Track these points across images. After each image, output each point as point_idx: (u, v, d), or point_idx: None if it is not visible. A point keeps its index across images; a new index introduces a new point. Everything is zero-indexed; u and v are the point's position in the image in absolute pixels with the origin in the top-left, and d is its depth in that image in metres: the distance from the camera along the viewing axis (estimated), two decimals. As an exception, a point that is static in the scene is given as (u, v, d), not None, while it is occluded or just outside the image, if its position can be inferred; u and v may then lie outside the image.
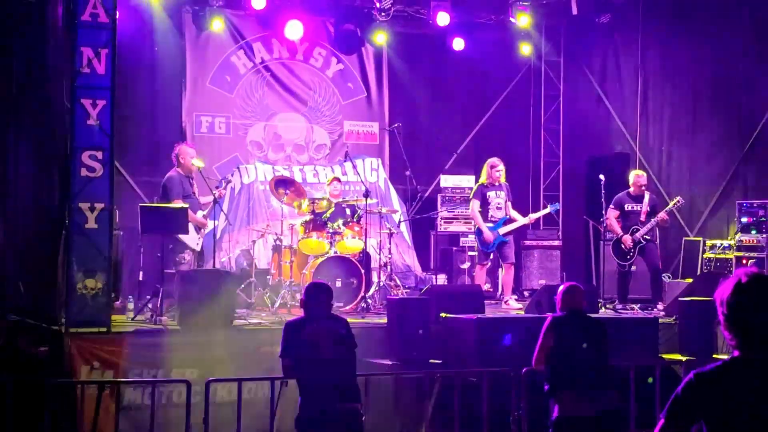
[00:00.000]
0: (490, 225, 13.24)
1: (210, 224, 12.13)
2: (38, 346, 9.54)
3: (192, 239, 11.56)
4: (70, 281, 9.45)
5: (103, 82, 9.57)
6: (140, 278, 12.33)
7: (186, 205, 11.32)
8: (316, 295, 7.23)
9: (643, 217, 12.93)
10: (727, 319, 3.72)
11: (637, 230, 12.89)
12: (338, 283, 11.90)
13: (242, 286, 12.66)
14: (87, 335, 9.36)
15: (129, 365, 9.40)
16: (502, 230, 13.26)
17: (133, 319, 10.89)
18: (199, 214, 11.78)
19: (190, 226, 11.47)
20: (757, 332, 3.66)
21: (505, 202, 13.40)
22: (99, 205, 9.50)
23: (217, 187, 11.99)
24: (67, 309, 9.48)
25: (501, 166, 13.43)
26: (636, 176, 13.22)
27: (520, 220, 13.53)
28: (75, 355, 9.21)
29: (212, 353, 9.64)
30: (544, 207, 15.16)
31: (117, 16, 9.76)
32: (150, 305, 10.98)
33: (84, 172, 9.47)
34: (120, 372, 9.30)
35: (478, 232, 13.34)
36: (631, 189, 13.14)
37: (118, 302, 12.22)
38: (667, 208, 12.93)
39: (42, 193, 10.86)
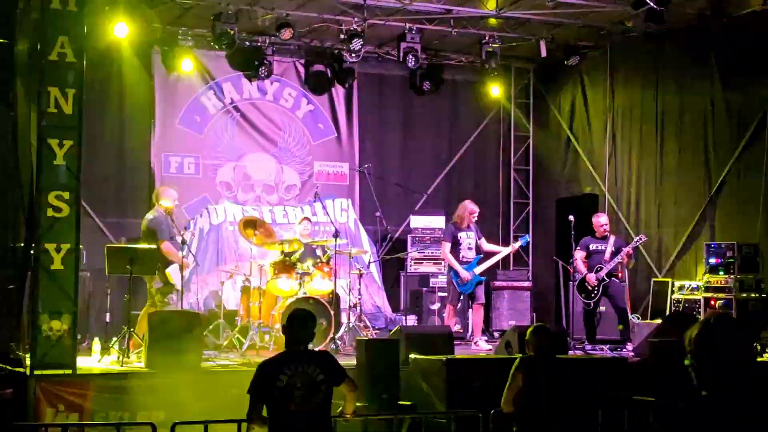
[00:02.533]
0: (464, 266, 13.24)
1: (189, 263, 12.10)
2: (3, 389, 9.42)
3: (177, 279, 11.50)
4: (36, 323, 9.34)
5: (70, 122, 9.51)
6: (107, 319, 12.24)
7: (153, 247, 11.29)
8: (299, 327, 7.04)
9: (607, 257, 13.02)
10: (694, 356, 3.75)
11: (601, 268, 12.96)
12: (307, 324, 11.81)
13: (210, 327, 12.60)
14: (52, 377, 9.24)
15: (94, 408, 9.28)
16: (478, 269, 13.26)
17: (99, 361, 10.78)
18: (180, 254, 11.73)
19: (175, 268, 11.40)
20: (720, 368, 3.68)
21: (476, 241, 13.42)
22: (65, 246, 9.41)
23: (185, 228, 11.94)
24: (32, 351, 9.38)
25: (477, 212, 13.52)
26: (596, 219, 13.34)
27: (503, 251, 13.66)
28: (40, 398, 9.10)
29: (179, 395, 9.53)
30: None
31: (85, 57, 9.73)
32: (117, 347, 10.88)
33: (50, 212, 9.39)
34: (85, 415, 9.19)
35: (455, 274, 13.32)
36: (595, 232, 13.24)
37: (84, 344, 12.12)
38: (629, 246, 13.00)
39: (7, 233, 10.77)
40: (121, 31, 13.25)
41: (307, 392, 6.76)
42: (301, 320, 7.08)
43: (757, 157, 12.95)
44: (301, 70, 16.02)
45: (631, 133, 15.40)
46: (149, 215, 11.79)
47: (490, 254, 13.51)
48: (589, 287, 13.02)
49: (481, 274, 13.35)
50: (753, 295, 12.68)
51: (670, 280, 14.10)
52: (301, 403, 6.74)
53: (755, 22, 12.87)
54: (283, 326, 7.12)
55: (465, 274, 13.18)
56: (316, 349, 11.80)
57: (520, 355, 8.29)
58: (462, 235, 13.38)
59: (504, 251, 13.73)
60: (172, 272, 11.48)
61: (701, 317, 12.77)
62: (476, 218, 13.49)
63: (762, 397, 3.76)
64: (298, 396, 6.73)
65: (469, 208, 13.51)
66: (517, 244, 14.35)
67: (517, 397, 7.79)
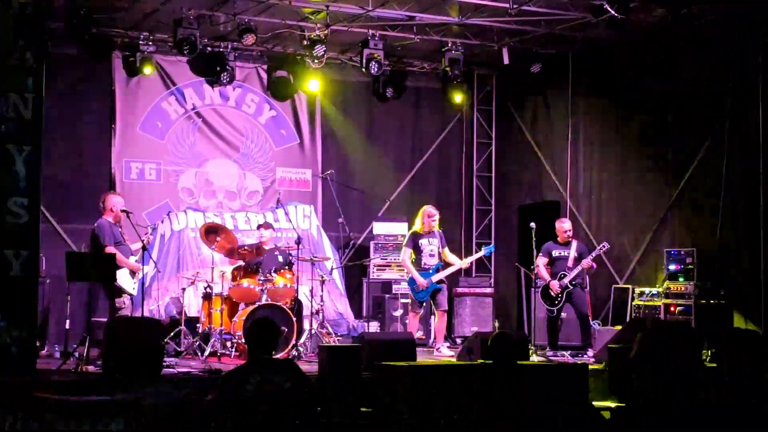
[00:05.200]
0: (423, 272, 13.24)
1: (144, 268, 12.00)
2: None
3: (128, 284, 11.46)
4: (-6, 330, 9.25)
5: (29, 127, 9.44)
6: (67, 326, 12.14)
7: (114, 252, 11.24)
8: (262, 336, 6.98)
9: (570, 264, 13.07)
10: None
11: (565, 276, 13.01)
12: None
13: (171, 334, 12.52)
14: (11, 385, 9.14)
15: (54, 416, 9.19)
16: (436, 277, 13.25)
17: (58, 368, 10.68)
18: (132, 259, 11.68)
19: (126, 271, 11.37)
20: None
21: (438, 249, 13.41)
22: (24, 252, 9.33)
23: (145, 234, 11.87)
24: (-10, 358, 9.29)
25: (437, 216, 13.48)
26: (560, 225, 13.39)
27: (456, 264, 13.56)
28: (-2, 406, 9.00)
29: (140, 403, 9.46)
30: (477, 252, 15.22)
31: (44, 62, 9.66)
32: (76, 354, 10.80)
33: (9, 218, 9.30)
34: (45, 423, 9.09)
35: (411, 281, 13.33)
36: (558, 237, 13.29)
37: (44, 351, 12.03)
38: (592, 254, 13.06)
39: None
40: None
41: (276, 402, 6.69)
42: (265, 328, 7.03)
43: (717, 164, 13.05)
44: (264, 75, 15.98)
45: (593, 141, 15.49)
46: (96, 223, 11.77)
47: (449, 264, 13.51)
48: (553, 294, 13.07)
49: (440, 281, 13.34)
50: (712, 301, 12.78)
51: (630, 286, 14.19)
52: (268, 413, 6.67)
53: (714, 30, 12.99)
54: (246, 336, 7.06)
55: (421, 280, 13.17)
56: (279, 356, 11.80)
57: (481, 360, 8.30)
58: (424, 241, 13.37)
59: (459, 264, 13.68)
60: (120, 276, 11.39)
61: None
62: (435, 221, 13.42)
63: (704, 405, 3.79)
64: (266, 406, 6.66)
65: (427, 211, 13.50)
66: (480, 253, 14.37)
67: (478, 403, 7.80)
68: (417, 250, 13.32)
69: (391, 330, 14.72)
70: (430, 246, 13.37)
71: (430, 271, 13.25)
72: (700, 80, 13.39)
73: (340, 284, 15.43)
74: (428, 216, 13.42)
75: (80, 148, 14.85)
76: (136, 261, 11.74)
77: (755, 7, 12.36)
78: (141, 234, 11.69)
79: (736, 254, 12.88)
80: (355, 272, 15.88)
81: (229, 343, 12.35)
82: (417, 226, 13.52)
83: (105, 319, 11.54)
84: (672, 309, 13.06)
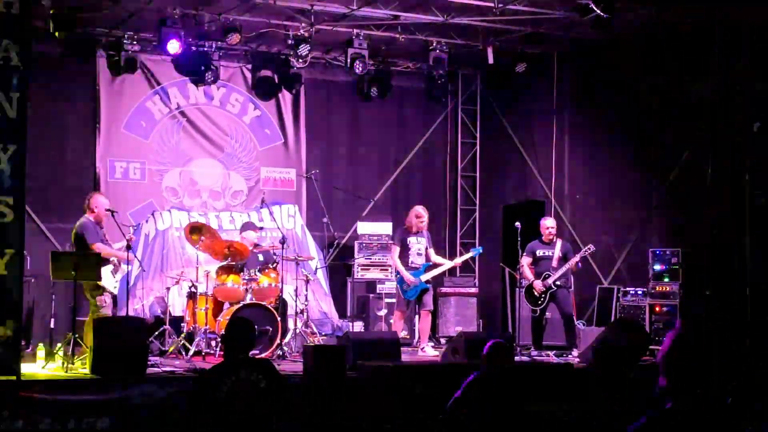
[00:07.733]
0: (412, 271, 13.24)
1: (123, 268, 11.97)
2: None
3: (110, 282, 11.43)
4: (-22, 329, 9.22)
5: (14, 126, 9.40)
6: (51, 325, 12.11)
7: (99, 251, 11.22)
8: (238, 335, 6.97)
9: (555, 264, 13.09)
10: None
11: (549, 276, 13.03)
12: (254, 331, 11.77)
13: (156, 333, 12.51)
14: (-4, 384, 9.14)
15: (39, 415, 9.18)
16: (424, 277, 13.26)
17: (43, 367, 10.67)
18: (116, 246, 11.67)
19: (108, 269, 11.34)
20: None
21: (426, 248, 13.43)
22: (9, 251, 9.30)
23: (128, 234, 11.84)
24: (-26, 357, 9.25)
25: (426, 216, 13.50)
26: (543, 223, 13.41)
27: (446, 264, 13.60)
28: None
29: (126, 402, 9.46)
30: (461, 254, 15.24)
31: (30, 60, 9.63)
32: (61, 353, 10.78)
33: (-7, 217, 9.28)
34: (29, 422, 9.08)
35: (400, 280, 13.32)
36: (542, 236, 13.32)
37: (28, 350, 12.00)
38: (578, 256, 13.08)
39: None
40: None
41: (251, 402, 6.66)
42: (240, 328, 7.03)
43: (703, 164, 13.08)
44: (248, 75, 15.94)
45: (578, 140, 15.51)
46: (78, 222, 11.73)
47: (437, 264, 13.53)
48: (537, 294, 13.10)
49: (427, 281, 13.35)
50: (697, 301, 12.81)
51: (615, 286, 14.21)
52: (244, 413, 6.64)
53: (700, 29, 13.03)
54: (222, 335, 7.07)
55: (410, 278, 13.18)
56: (263, 355, 11.79)
57: (475, 371, 8.26)
58: (412, 239, 13.38)
59: (448, 264, 13.73)
60: (102, 274, 11.37)
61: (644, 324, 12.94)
62: (423, 222, 13.43)
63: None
64: (241, 406, 6.63)
65: (416, 212, 13.53)
66: (468, 255, 14.36)
67: (465, 406, 7.81)
68: (405, 247, 13.33)
69: (376, 330, 14.73)
70: (418, 245, 13.39)
71: (420, 270, 13.26)
72: (685, 80, 13.43)
73: (325, 284, 15.42)
74: (417, 216, 13.46)
75: (65, 148, 14.82)
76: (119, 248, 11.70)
77: (735, 9, 12.40)
78: (125, 233, 11.67)
79: (722, 254, 12.91)
80: (339, 272, 15.89)
81: (213, 343, 12.32)
82: (406, 225, 13.54)
83: (90, 319, 11.55)
84: (657, 309, 13.09)
